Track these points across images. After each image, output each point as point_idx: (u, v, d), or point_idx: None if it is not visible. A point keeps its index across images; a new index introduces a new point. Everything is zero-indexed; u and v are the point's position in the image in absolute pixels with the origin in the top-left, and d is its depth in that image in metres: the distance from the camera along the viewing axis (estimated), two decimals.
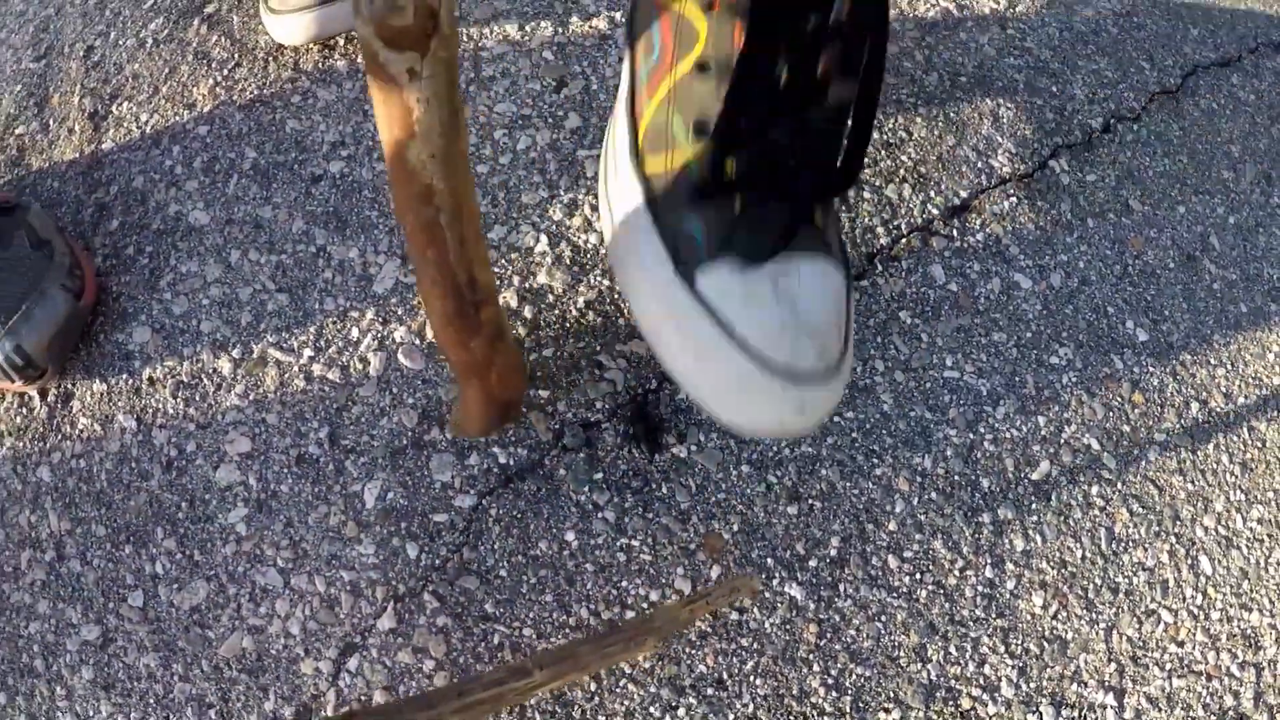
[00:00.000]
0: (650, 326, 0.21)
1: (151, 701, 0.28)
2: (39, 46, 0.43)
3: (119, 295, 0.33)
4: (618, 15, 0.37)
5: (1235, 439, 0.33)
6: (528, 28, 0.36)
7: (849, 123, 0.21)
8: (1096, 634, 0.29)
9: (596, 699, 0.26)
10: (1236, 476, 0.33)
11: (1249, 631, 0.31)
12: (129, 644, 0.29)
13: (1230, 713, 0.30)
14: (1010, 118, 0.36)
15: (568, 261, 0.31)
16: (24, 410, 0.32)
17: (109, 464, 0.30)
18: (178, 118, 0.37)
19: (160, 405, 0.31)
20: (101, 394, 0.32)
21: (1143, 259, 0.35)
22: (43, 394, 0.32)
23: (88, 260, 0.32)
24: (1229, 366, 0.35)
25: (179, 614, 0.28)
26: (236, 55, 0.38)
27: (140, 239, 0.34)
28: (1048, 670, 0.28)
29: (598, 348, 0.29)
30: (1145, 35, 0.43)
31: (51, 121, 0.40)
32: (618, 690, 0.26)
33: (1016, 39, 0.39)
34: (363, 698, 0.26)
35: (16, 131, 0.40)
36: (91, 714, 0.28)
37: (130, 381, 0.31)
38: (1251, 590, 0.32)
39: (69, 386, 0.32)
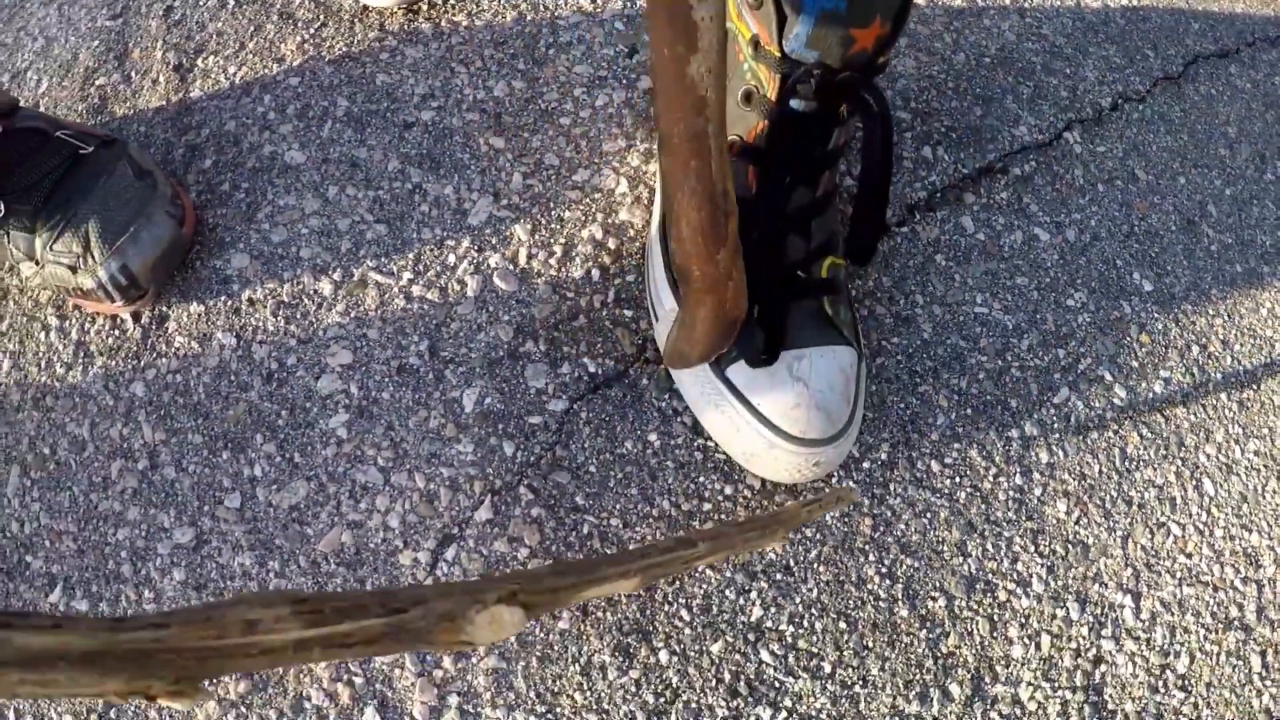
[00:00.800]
0: (696, 406, 0.30)
1: None
2: (114, 6, 0.48)
3: (215, 226, 0.37)
4: None
5: (1233, 380, 0.39)
6: (599, 1, 0.42)
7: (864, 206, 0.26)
8: (1114, 541, 0.34)
9: (678, 582, 0.30)
10: (1234, 412, 0.38)
11: (1250, 550, 0.36)
12: (224, 544, 0.32)
13: (1235, 623, 0.35)
14: (1029, 94, 0.43)
15: (645, 201, 0.36)
16: (116, 332, 0.35)
17: (206, 378, 0.34)
18: (266, 70, 0.41)
19: (260, 324, 0.35)
20: (199, 314, 0.35)
21: (1147, 221, 0.41)
22: (135, 317, 0.35)
23: (185, 194, 0.36)
24: (1226, 317, 0.41)
25: (277, 513, 0.32)
26: (321, 16, 0.43)
27: (235, 176, 0.38)
28: (1072, 570, 0.33)
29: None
30: (1150, 26, 0.50)
31: (134, 74, 0.44)
32: (697, 575, 0.30)
33: (1034, 26, 0.46)
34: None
35: (97, 82, 0.44)
36: None
37: (229, 303, 0.35)
38: (1251, 513, 0.37)
39: (163, 309, 0.35)
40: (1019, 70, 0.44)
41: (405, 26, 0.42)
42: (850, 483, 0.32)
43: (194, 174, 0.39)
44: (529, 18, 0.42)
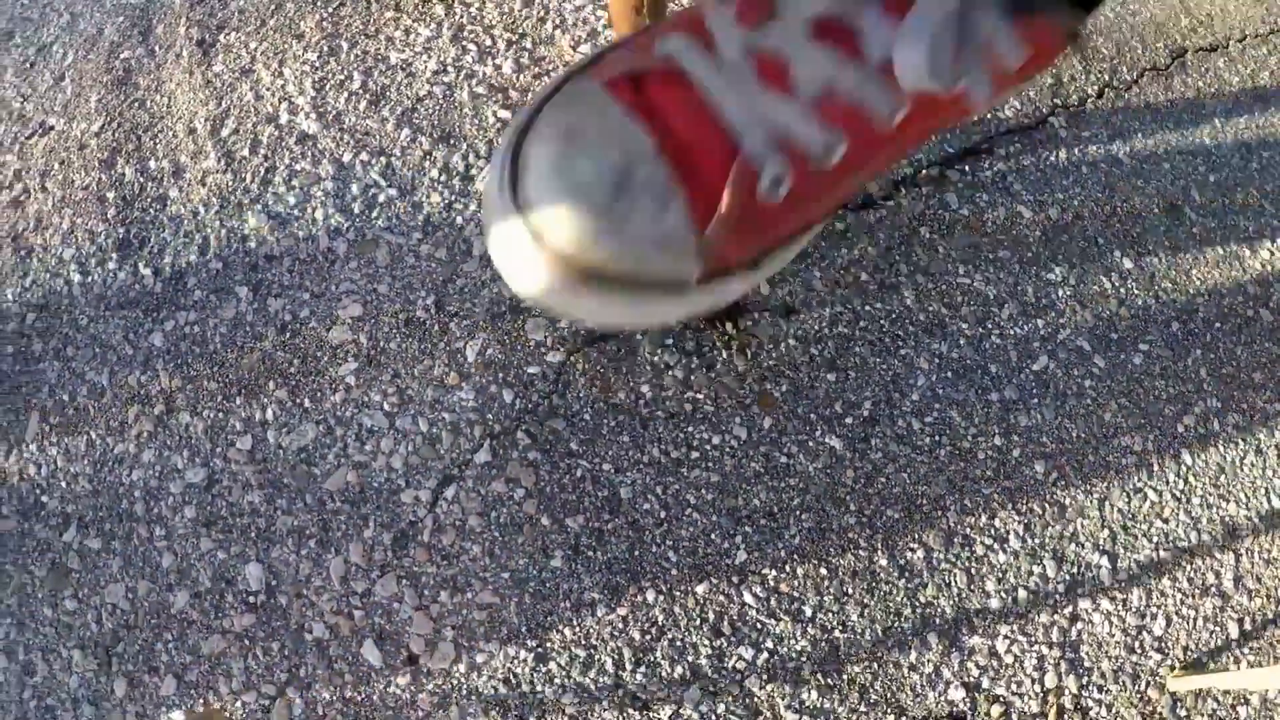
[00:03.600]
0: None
1: (253, 535, 0.34)
2: None
3: (233, 189, 0.41)
4: None
5: (1212, 355, 0.42)
6: None
7: None
8: (1091, 503, 0.37)
9: (666, 525, 0.33)
10: (1214, 386, 0.41)
11: (1227, 519, 0.39)
12: (234, 484, 0.35)
13: (1213, 589, 0.38)
14: None
15: None
16: (136, 286, 0.39)
17: (223, 329, 0.37)
18: (286, 46, 0.46)
19: (275, 279, 0.38)
20: (218, 270, 0.39)
21: (1130, 203, 0.44)
22: (157, 270, 0.39)
23: None
24: (1206, 297, 0.44)
25: (286, 455, 0.35)
26: None
27: (253, 141, 0.42)
28: (1049, 529, 0.36)
29: None
30: (1140, 20, 0.54)
31: (157, 48, 0.48)
32: (684, 518, 0.33)
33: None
34: (457, 523, 0.32)
35: (122, 55, 0.48)
36: (190, 550, 0.34)
37: (246, 259, 0.38)
38: (1229, 484, 0.40)
39: (181, 263, 0.39)
40: None
41: (419, 7, 0.46)
42: (830, 435, 0.35)
43: (214, 140, 0.43)
44: (536, 1, 0.46)
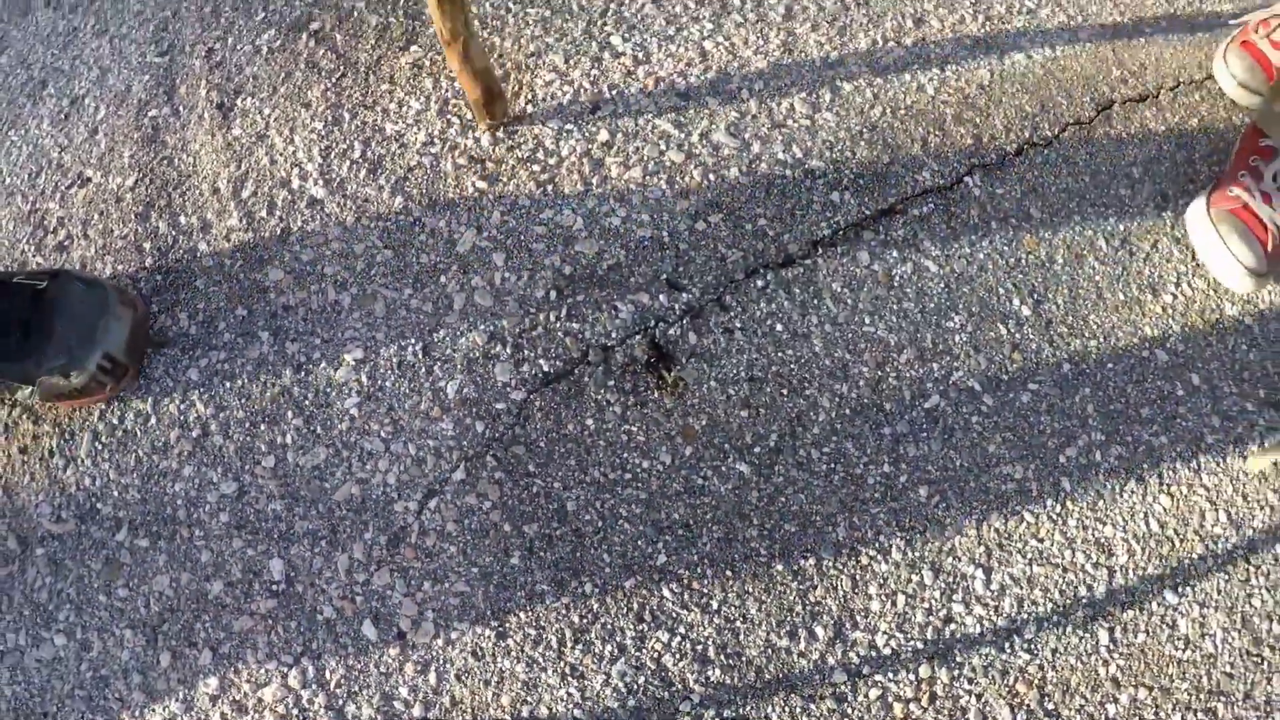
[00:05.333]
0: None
1: (275, 536, 0.48)
2: (161, 44, 0.66)
3: (254, 246, 0.54)
4: None
5: (1101, 394, 0.53)
6: (568, 73, 0.59)
7: None
8: (970, 523, 0.48)
9: (602, 532, 0.45)
10: (1100, 421, 0.52)
11: (1103, 540, 0.50)
12: (260, 494, 0.49)
13: (1084, 601, 0.49)
14: (937, 143, 0.57)
15: (597, 233, 0.52)
16: (174, 328, 0.52)
17: (249, 367, 0.51)
18: (296, 115, 0.59)
19: (292, 326, 0.51)
20: (243, 316, 0.52)
21: (1035, 254, 0.55)
22: (191, 314, 0.52)
23: (129, 287, 0.52)
24: (1102, 340, 0.55)
25: (302, 471, 0.48)
26: (341, 67, 0.60)
27: (270, 203, 0.55)
28: (929, 545, 0.47)
29: (614, 296, 0.50)
30: (1068, 75, 0.64)
31: (181, 108, 0.62)
32: (617, 528, 0.45)
33: (951, 79, 0.61)
34: (438, 528, 0.45)
35: (150, 114, 0.62)
36: (224, 548, 0.48)
37: (267, 307, 0.52)
38: (1107, 509, 0.51)
39: (212, 309, 0.52)
40: (930, 121, 0.59)
41: (410, 80, 0.59)
42: (740, 462, 0.48)
43: (236, 200, 0.56)
44: (513, 77, 0.59)
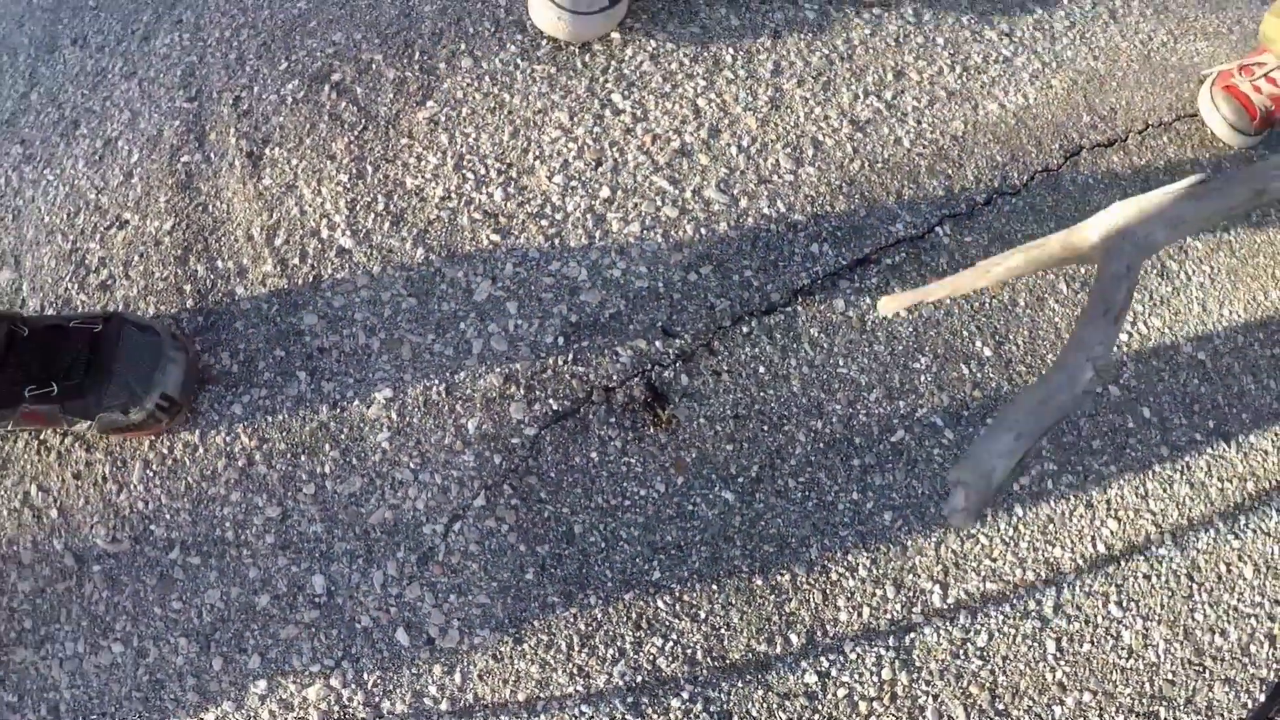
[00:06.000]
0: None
1: (317, 555, 0.56)
2: (189, 89, 0.74)
3: (289, 291, 0.62)
4: None
5: (1056, 428, 0.61)
6: (574, 124, 0.67)
7: None
8: (929, 544, 0.57)
9: (605, 552, 0.54)
10: (1053, 453, 0.61)
11: (1051, 560, 0.59)
12: (302, 519, 0.57)
13: (1033, 614, 0.58)
14: (911, 195, 0.65)
15: (601, 283, 0.60)
16: (216, 366, 0.61)
17: (288, 404, 0.59)
18: (322, 166, 0.67)
19: (327, 366, 0.60)
20: (281, 357, 0.60)
21: (999, 299, 0.63)
22: (233, 353, 0.61)
23: (180, 330, 0.61)
24: None
25: (340, 498, 0.57)
26: (363, 120, 0.68)
27: (302, 252, 0.63)
28: (892, 563, 0.56)
29: (615, 342, 0.58)
30: (1039, 124, 0.72)
31: (213, 155, 0.70)
32: (618, 548, 0.54)
33: (926, 131, 0.68)
34: (462, 548, 0.54)
35: (182, 159, 0.70)
36: (270, 566, 0.57)
37: (303, 349, 0.60)
38: (1057, 531, 0.60)
39: (251, 349, 0.60)
40: (905, 174, 0.66)
41: (428, 135, 0.67)
42: (725, 490, 0.56)
43: (270, 252, 0.64)
44: (521, 133, 0.66)
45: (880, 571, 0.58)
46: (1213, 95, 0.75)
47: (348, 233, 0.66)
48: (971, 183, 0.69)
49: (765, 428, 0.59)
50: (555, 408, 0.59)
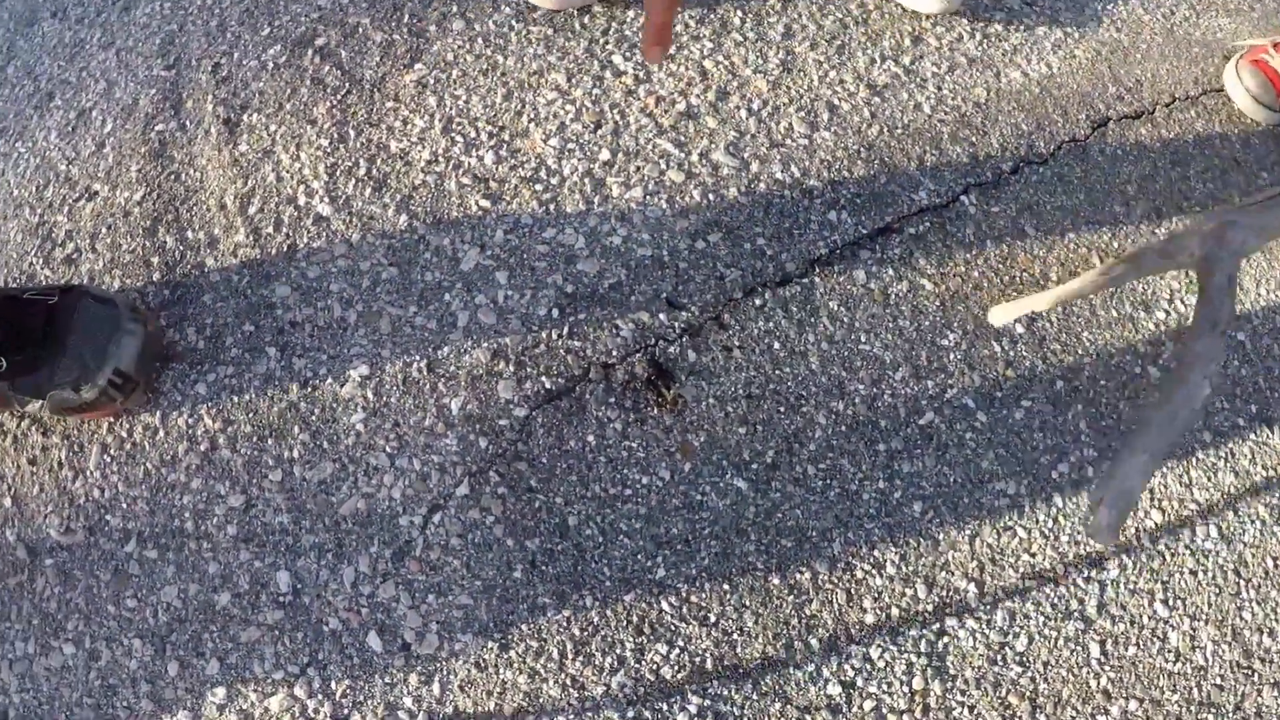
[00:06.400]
0: None
1: (283, 549, 0.49)
2: (167, 57, 0.67)
3: (261, 262, 0.55)
4: None
5: (1094, 410, 0.55)
6: (571, 86, 0.61)
7: None
8: (963, 538, 0.50)
9: (603, 547, 0.47)
10: (1092, 437, 0.54)
11: (1094, 555, 0.51)
12: (267, 508, 0.50)
13: (1075, 614, 0.50)
14: (933, 162, 0.59)
15: (599, 252, 0.54)
16: (182, 342, 0.54)
17: (256, 382, 0.52)
18: (302, 131, 0.60)
19: (299, 342, 0.53)
20: (250, 332, 0.53)
21: (1030, 272, 0.57)
22: (200, 329, 0.54)
23: (140, 303, 0.54)
24: (1094, 357, 0.56)
25: (309, 486, 0.50)
26: (347, 84, 0.62)
27: (276, 220, 0.56)
28: (922, 559, 0.49)
29: (615, 314, 0.51)
30: (1064, 93, 0.66)
31: (188, 123, 0.63)
32: (617, 543, 0.47)
33: (948, 99, 0.62)
34: (442, 542, 0.47)
35: (157, 128, 0.63)
36: (232, 560, 0.49)
37: (274, 323, 0.53)
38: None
39: (220, 324, 0.54)
40: (927, 140, 0.60)
41: (415, 98, 0.60)
42: (737, 478, 0.49)
43: (243, 216, 0.58)
44: (515, 95, 0.60)
45: (910, 568, 0.51)
46: (1239, 70, 0.69)
47: (326, 199, 0.59)
48: (997, 151, 0.63)
49: (781, 409, 0.51)
50: (548, 386, 0.51)
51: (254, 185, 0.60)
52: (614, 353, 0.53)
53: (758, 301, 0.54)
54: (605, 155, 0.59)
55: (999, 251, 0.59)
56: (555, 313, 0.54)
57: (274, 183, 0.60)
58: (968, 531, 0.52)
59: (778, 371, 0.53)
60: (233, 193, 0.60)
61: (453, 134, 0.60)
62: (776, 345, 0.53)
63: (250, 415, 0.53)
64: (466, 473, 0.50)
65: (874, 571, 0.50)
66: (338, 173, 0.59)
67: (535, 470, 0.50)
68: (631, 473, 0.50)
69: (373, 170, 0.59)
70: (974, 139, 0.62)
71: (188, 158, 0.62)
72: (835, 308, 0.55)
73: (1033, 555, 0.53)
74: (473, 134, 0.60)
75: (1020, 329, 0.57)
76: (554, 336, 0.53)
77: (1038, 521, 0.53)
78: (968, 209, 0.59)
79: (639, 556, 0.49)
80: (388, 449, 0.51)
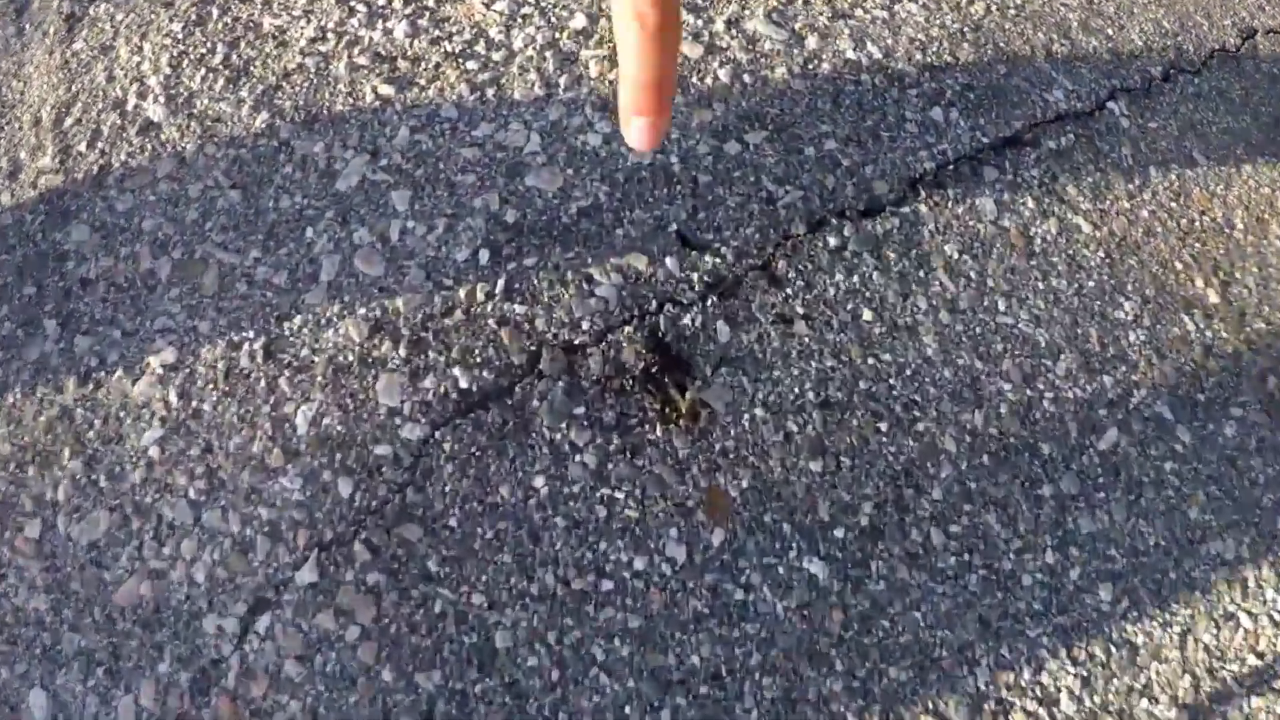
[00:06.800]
0: None
1: (38, 652, 0.20)
2: None
3: (63, 193, 0.26)
4: None
5: None
6: None
7: None
8: (1170, 638, 0.20)
9: (559, 690, 0.17)
10: None
11: None
12: (20, 582, 0.21)
13: None
14: (1065, 54, 0.28)
15: (561, 160, 0.24)
16: None
17: (26, 374, 0.23)
18: (153, 17, 0.30)
19: (88, 310, 0.23)
20: (30, 296, 0.24)
21: (1209, 215, 0.27)
22: None
23: None
24: None
25: (76, 550, 0.20)
26: None
27: (94, 133, 0.26)
28: (1114, 681, 0.19)
29: (589, 259, 0.21)
30: None
31: (28, 25, 0.32)
32: (587, 682, 0.18)
33: None
34: (270, 667, 0.18)
35: None
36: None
37: (61, 283, 0.24)
38: None
39: None
40: (1051, 25, 0.29)
41: None
42: (809, 557, 0.17)
43: (55, 133, 0.28)
44: None
45: (1098, 700, 0.19)
46: None
47: (161, 99, 0.28)
48: (1141, 50, 0.32)
49: (880, 426, 0.19)
50: (465, 384, 0.19)
51: (78, 90, 0.29)
52: (584, 324, 0.20)
53: (831, 240, 0.20)
54: (580, 21, 0.27)
55: (1168, 184, 0.28)
56: (484, 256, 0.21)
57: (103, 84, 0.28)
58: (1176, 627, 0.22)
59: (870, 359, 0.20)
60: (52, 102, 0.29)
61: (351, 2, 0.29)
62: (866, 314, 0.22)
63: (12, 428, 0.24)
64: (315, 542, 0.18)
65: (1042, 712, 0.19)
66: (185, 64, 0.28)
67: (437, 541, 0.18)
68: (614, 548, 0.18)
69: (233, 57, 0.28)
70: (1110, 31, 0.31)
71: (16, 66, 0.30)
72: (953, 254, 0.22)
73: (1260, 656, 0.24)
74: (381, 1, 0.29)
75: (1214, 296, 0.27)
76: (480, 296, 0.21)
77: (1265, 601, 0.22)
78: (1119, 120, 0.28)
79: (627, 710, 0.17)
80: (191, 493, 0.20)
